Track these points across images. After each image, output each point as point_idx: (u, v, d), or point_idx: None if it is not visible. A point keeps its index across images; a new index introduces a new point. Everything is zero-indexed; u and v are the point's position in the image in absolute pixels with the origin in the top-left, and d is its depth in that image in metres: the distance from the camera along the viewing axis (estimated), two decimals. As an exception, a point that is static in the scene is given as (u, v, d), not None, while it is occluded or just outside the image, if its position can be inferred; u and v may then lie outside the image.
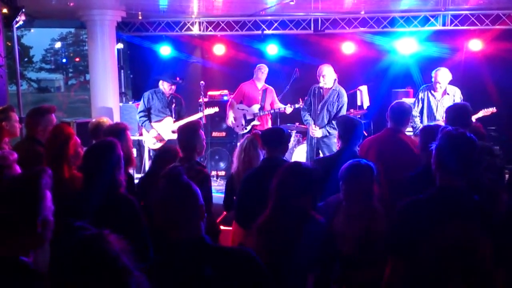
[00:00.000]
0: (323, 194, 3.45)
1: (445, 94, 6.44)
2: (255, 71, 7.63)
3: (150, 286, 1.65)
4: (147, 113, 6.95)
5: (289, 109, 7.25)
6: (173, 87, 6.96)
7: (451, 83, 6.49)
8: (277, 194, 2.83)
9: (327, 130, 6.22)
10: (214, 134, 8.75)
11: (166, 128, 6.90)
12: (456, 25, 8.66)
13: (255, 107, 7.52)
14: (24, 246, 1.92)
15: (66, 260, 1.54)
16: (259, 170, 3.79)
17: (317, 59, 7.66)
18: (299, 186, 2.81)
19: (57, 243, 2.39)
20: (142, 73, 9.85)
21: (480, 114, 7.04)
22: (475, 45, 8.69)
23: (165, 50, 9.38)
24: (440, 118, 6.13)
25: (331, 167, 3.54)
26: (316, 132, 6.23)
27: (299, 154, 7.70)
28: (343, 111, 6.27)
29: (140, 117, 6.96)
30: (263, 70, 7.58)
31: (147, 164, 7.69)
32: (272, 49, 9.12)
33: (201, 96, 7.37)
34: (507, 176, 3.97)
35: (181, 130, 4.00)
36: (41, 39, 30.66)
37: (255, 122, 7.49)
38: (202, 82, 7.40)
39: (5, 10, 5.95)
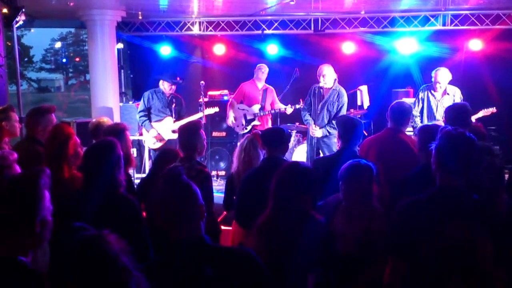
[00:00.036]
0: (323, 194, 3.46)
1: (445, 94, 6.44)
2: (256, 71, 7.63)
3: (150, 286, 1.65)
4: (147, 112, 6.95)
5: (289, 110, 7.25)
6: (173, 87, 6.96)
7: (451, 83, 6.49)
8: (276, 194, 2.83)
9: (327, 130, 6.22)
10: (214, 134, 8.75)
11: (166, 128, 6.90)
12: (456, 25, 8.66)
13: (256, 107, 7.52)
14: (22, 246, 1.92)
15: (66, 261, 1.54)
16: (259, 170, 3.79)
17: (317, 59, 7.66)
18: (298, 186, 2.81)
19: (57, 244, 2.39)
20: (142, 73, 9.85)
21: (480, 114, 7.05)
22: (475, 45, 8.69)
23: (165, 50, 9.38)
24: (440, 118, 6.13)
25: (331, 167, 3.54)
26: (316, 132, 6.23)
27: (299, 154, 7.71)
28: (343, 111, 6.27)
29: (140, 116, 6.96)
30: (264, 70, 7.58)
31: (147, 164, 7.70)
32: (272, 49, 9.12)
33: (201, 96, 7.36)
34: (506, 176, 3.97)
35: (181, 130, 4.00)
36: (41, 39, 30.67)
37: (256, 122, 7.49)
38: (202, 82, 7.40)
39: (5, 10, 5.95)
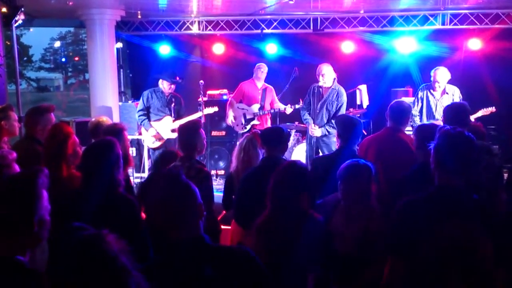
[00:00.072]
0: (322, 193, 3.46)
1: (444, 93, 6.43)
2: (255, 70, 7.63)
3: (150, 286, 1.65)
4: (146, 112, 6.94)
5: (289, 110, 7.25)
6: (173, 86, 6.96)
7: (450, 82, 6.49)
8: (275, 194, 2.84)
9: (327, 129, 6.22)
10: (214, 133, 8.75)
11: (165, 127, 6.90)
12: (455, 24, 8.66)
13: (255, 107, 7.51)
14: (20, 245, 1.92)
15: (66, 260, 1.54)
16: (258, 169, 3.79)
17: (316, 58, 7.66)
18: (296, 185, 2.81)
19: (56, 243, 2.39)
20: (141, 72, 9.84)
21: (480, 113, 7.04)
22: (475, 44, 8.69)
23: (164, 49, 9.38)
24: (440, 117, 6.13)
25: (330, 166, 3.54)
26: (316, 131, 6.23)
27: (298, 153, 7.70)
28: (343, 110, 6.27)
29: (139, 116, 6.96)
30: (263, 70, 7.58)
31: (146, 163, 7.69)
32: (272, 48, 9.11)
33: (200, 95, 7.37)
34: (506, 175, 3.97)
35: (181, 129, 4.00)
36: (40, 38, 30.68)
37: (255, 122, 7.49)
38: (201, 81, 7.40)
39: (4, 9, 5.95)
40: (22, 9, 6.01)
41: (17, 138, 4.74)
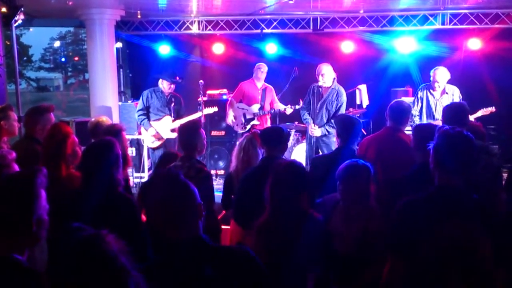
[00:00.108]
0: (322, 192, 3.46)
1: (444, 93, 6.43)
2: (255, 70, 7.63)
3: (149, 286, 1.65)
4: (146, 111, 6.94)
5: (289, 110, 7.25)
6: (172, 86, 6.96)
7: (450, 82, 6.49)
8: (273, 195, 2.83)
9: (326, 129, 6.22)
10: (213, 133, 8.74)
11: (165, 127, 6.89)
12: (455, 24, 8.66)
13: (255, 107, 7.52)
14: (18, 245, 1.93)
15: (65, 261, 1.54)
16: (258, 169, 3.79)
17: (316, 58, 7.66)
18: (294, 185, 2.81)
19: (55, 243, 2.39)
20: (141, 72, 9.84)
21: (479, 113, 7.04)
22: (474, 44, 8.68)
23: (164, 49, 9.38)
24: (439, 117, 6.12)
25: (330, 166, 3.54)
26: (315, 131, 6.23)
27: (298, 153, 7.71)
28: (342, 110, 6.27)
29: (139, 115, 6.96)
30: (263, 70, 7.58)
31: (146, 163, 7.69)
32: (271, 48, 9.11)
33: (200, 95, 7.37)
34: (505, 175, 3.97)
35: (181, 129, 4.01)
36: (40, 38, 30.68)
37: (255, 122, 7.49)
38: (201, 81, 7.40)
39: (4, 9, 5.96)
40: (22, 9, 6.01)
41: (16, 138, 4.74)
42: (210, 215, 3.64)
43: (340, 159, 3.59)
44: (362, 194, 3.07)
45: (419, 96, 6.57)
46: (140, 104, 6.98)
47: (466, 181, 2.51)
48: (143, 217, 2.98)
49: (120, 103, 8.66)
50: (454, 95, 6.41)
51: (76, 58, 34.96)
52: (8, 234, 1.90)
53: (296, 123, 8.02)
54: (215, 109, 7.47)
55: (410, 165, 3.66)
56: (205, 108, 7.29)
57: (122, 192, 2.93)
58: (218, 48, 9.57)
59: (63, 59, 35.95)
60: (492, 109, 7.10)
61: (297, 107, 6.91)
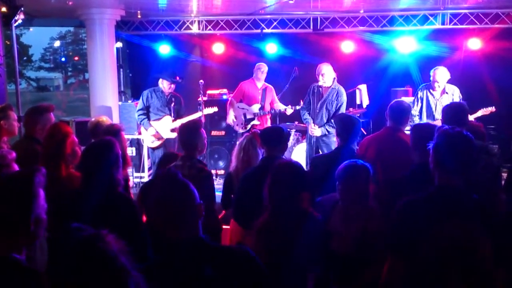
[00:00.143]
0: (322, 192, 3.46)
1: (444, 93, 6.43)
2: (255, 70, 7.63)
3: (149, 286, 1.65)
4: (146, 111, 6.94)
5: (289, 111, 7.26)
6: (173, 85, 6.95)
7: (450, 82, 6.49)
8: (272, 195, 2.83)
9: (326, 129, 6.21)
10: (214, 133, 8.74)
11: (165, 127, 6.89)
12: (455, 24, 8.66)
13: (255, 107, 7.52)
14: (17, 244, 1.93)
15: (65, 261, 1.54)
16: (258, 169, 3.79)
17: (316, 58, 7.65)
18: (293, 184, 2.82)
19: (55, 243, 2.39)
20: (141, 72, 9.84)
21: (479, 113, 7.04)
22: (474, 44, 8.68)
23: (164, 49, 9.37)
24: (439, 117, 6.13)
25: (329, 165, 3.54)
26: (315, 131, 6.23)
27: (298, 153, 7.71)
28: (342, 110, 6.27)
29: (139, 115, 6.96)
30: (263, 70, 7.58)
31: (146, 163, 7.69)
32: (272, 48, 9.11)
33: (200, 95, 7.37)
34: (505, 175, 3.97)
35: (182, 129, 4.01)
36: (40, 38, 30.69)
37: (255, 122, 7.49)
38: (201, 81, 7.40)
39: (4, 9, 5.95)
40: (22, 8, 6.01)
41: (16, 138, 4.74)
42: (211, 215, 3.65)
43: (340, 158, 3.58)
44: (361, 194, 3.07)
45: (419, 96, 6.57)
46: (140, 104, 6.98)
47: (465, 181, 2.51)
48: (144, 217, 2.99)
49: (120, 103, 8.66)
50: (454, 94, 6.41)
51: (76, 58, 34.99)
52: (6, 233, 1.90)
53: (296, 123, 8.02)
54: (215, 109, 7.47)
55: (410, 165, 3.66)
56: (205, 108, 7.29)
57: (122, 192, 2.93)
58: (218, 48, 9.57)
59: (63, 59, 35.98)
60: (492, 109, 7.09)
61: (297, 107, 6.91)
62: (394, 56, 9.06)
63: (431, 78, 6.47)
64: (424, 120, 6.41)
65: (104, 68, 8.22)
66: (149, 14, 9.04)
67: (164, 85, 6.90)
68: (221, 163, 8.61)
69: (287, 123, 7.97)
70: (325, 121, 6.28)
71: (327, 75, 6.24)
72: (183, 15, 9.19)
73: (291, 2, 7.11)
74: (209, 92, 8.82)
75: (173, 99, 6.93)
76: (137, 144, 8.04)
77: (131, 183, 6.14)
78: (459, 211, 2.40)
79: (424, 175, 2.94)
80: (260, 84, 7.62)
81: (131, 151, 7.81)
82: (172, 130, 6.87)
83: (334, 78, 6.33)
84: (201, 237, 2.00)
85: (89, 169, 2.85)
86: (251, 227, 2.97)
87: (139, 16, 9.03)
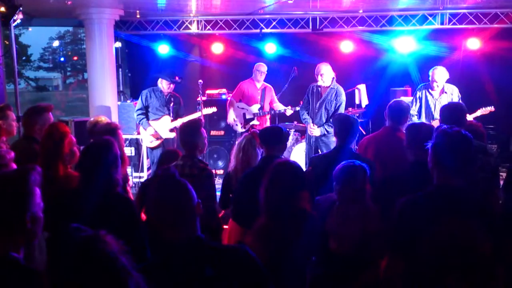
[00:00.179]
0: (321, 192, 3.46)
1: (443, 92, 6.43)
2: (254, 70, 7.63)
3: (149, 287, 1.65)
4: (145, 111, 6.94)
5: (289, 111, 7.27)
6: (172, 85, 6.95)
7: (449, 81, 6.49)
8: (269, 196, 2.83)
9: (326, 129, 6.21)
10: (213, 132, 8.74)
11: (164, 127, 6.89)
12: (454, 23, 8.67)
13: (255, 107, 7.52)
14: (14, 242, 1.93)
15: (65, 261, 1.54)
16: (257, 169, 3.78)
17: (315, 58, 7.66)
18: (290, 184, 2.82)
19: (54, 243, 2.39)
20: (140, 71, 9.84)
21: (478, 113, 7.04)
22: (473, 43, 8.69)
23: (163, 49, 9.37)
24: (439, 117, 6.13)
25: (329, 165, 3.54)
26: (315, 130, 6.23)
27: (297, 152, 7.71)
28: (341, 110, 6.27)
29: (138, 115, 6.96)
30: (262, 70, 7.58)
31: (145, 162, 7.69)
32: (271, 48, 9.11)
33: (199, 95, 7.36)
34: (504, 174, 3.97)
35: (183, 129, 4.02)
36: (39, 38, 30.66)
37: (255, 122, 7.50)
38: (200, 80, 7.39)
39: (2, 9, 5.95)
40: (21, 8, 6.00)
41: (15, 138, 4.73)
42: (212, 214, 3.65)
43: (339, 158, 3.59)
44: (358, 194, 3.08)
45: (417, 96, 6.57)
46: (139, 103, 6.98)
47: (464, 180, 2.51)
48: (143, 217, 2.99)
49: (119, 102, 8.66)
50: (453, 94, 6.41)
51: (75, 58, 34.98)
52: (3, 232, 1.90)
53: (295, 122, 8.03)
54: (214, 109, 7.46)
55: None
56: (204, 108, 7.29)
57: (121, 192, 2.93)
58: (217, 48, 9.56)
59: (62, 59, 35.97)
60: (491, 108, 7.10)
61: (297, 108, 6.91)
62: (393, 56, 9.07)
63: (430, 78, 6.47)
64: (423, 120, 6.41)
65: (103, 68, 8.21)
66: (148, 14, 9.04)
67: (163, 85, 6.90)
68: (220, 163, 8.61)
69: (286, 123, 7.98)
70: (324, 121, 6.28)
71: (326, 75, 6.24)
72: (182, 15, 9.18)
73: (290, 2, 7.11)
74: (208, 92, 8.82)
75: (172, 99, 6.93)
76: (136, 144, 8.04)
77: (130, 183, 6.14)
78: (459, 210, 2.41)
79: (418, 174, 2.95)
80: (259, 84, 7.62)
81: (130, 151, 7.81)
82: (171, 130, 6.87)
83: (333, 78, 6.33)
84: (200, 237, 2.00)
85: (87, 169, 2.85)
86: (250, 227, 2.97)
87: (138, 16, 9.03)
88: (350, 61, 9.12)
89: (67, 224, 1.67)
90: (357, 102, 8.29)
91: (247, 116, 7.56)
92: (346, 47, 9.15)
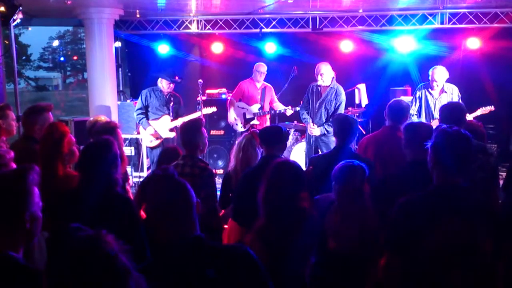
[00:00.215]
0: (321, 191, 3.46)
1: (443, 92, 6.43)
2: (254, 70, 7.63)
3: (149, 286, 1.65)
4: (145, 111, 6.94)
5: (289, 111, 7.27)
6: (172, 85, 6.95)
7: (449, 81, 6.49)
8: (270, 195, 2.83)
9: (325, 128, 6.21)
10: (213, 132, 8.74)
11: (163, 126, 6.89)
12: (454, 23, 8.67)
13: (255, 107, 7.53)
14: (13, 242, 1.93)
15: (65, 261, 1.54)
16: (257, 168, 3.78)
17: (315, 58, 7.65)
18: (290, 184, 2.82)
19: (53, 242, 2.38)
20: (140, 71, 9.84)
21: (478, 112, 7.04)
22: (473, 43, 8.69)
23: (163, 49, 9.37)
24: (438, 116, 6.13)
25: (328, 165, 3.54)
26: (314, 130, 6.23)
27: (297, 152, 7.71)
28: (341, 109, 6.27)
29: (138, 114, 6.96)
30: (262, 69, 7.58)
31: (145, 162, 7.69)
32: (270, 48, 9.11)
33: (199, 95, 7.36)
34: (503, 174, 3.98)
35: (184, 128, 4.02)
36: (39, 38, 30.68)
37: (255, 122, 7.50)
38: (200, 80, 7.40)
39: (2, 8, 5.94)
40: (21, 8, 6.00)
41: (15, 138, 4.73)
42: (214, 213, 3.65)
43: (338, 158, 3.59)
44: (357, 194, 3.08)
45: (417, 95, 6.57)
46: (139, 103, 6.98)
47: (464, 179, 2.52)
48: (142, 215, 2.98)
49: (119, 102, 8.66)
50: (453, 93, 6.41)
51: (75, 58, 34.99)
52: (2, 231, 1.90)
53: (295, 122, 8.03)
54: (214, 109, 7.46)
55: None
56: (204, 107, 7.29)
57: (120, 191, 2.93)
58: (217, 48, 9.56)
59: (62, 59, 35.98)
60: (491, 108, 7.10)
61: (297, 108, 6.91)
62: (393, 56, 9.07)
63: (430, 78, 6.47)
64: (423, 119, 6.41)
65: (103, 67, 8.21)
66: (148, 14, 9.03)
67: (163, 84, 6.90)
68: (220, 163, 8.61)
69: (286, 123, 7.98)
70: (324, 120, 6.28)
71: (326, 74, 6.24)
72: (182, 15, 9.18)
73: (290, 1, 7.12)
74: (208, 91, 8.82)
75: (172, 98, 6.93)
76: (136, 143, 8.04)
77: (130, 182, 6.14)
78: (459, 209, 2.41)
79: (416, 173, 2.95)
80: (259, 83, 7.63)
81: (130, 151, 7.81)
82: (171, 130, 6.88)
83: (333, 78, 6.33)
84: (200, 236, 2.00)
85: (87, 169, 2.85)
86: (250, 227, 2.97)
87: (138, 16, 9.02)
88: (350, 61, 9.12)
89: (67, 224, 1.67)
90: (357, 101, 8.29)
91: (247, 116, 7.56)
92: (346, 46, 9.15)
